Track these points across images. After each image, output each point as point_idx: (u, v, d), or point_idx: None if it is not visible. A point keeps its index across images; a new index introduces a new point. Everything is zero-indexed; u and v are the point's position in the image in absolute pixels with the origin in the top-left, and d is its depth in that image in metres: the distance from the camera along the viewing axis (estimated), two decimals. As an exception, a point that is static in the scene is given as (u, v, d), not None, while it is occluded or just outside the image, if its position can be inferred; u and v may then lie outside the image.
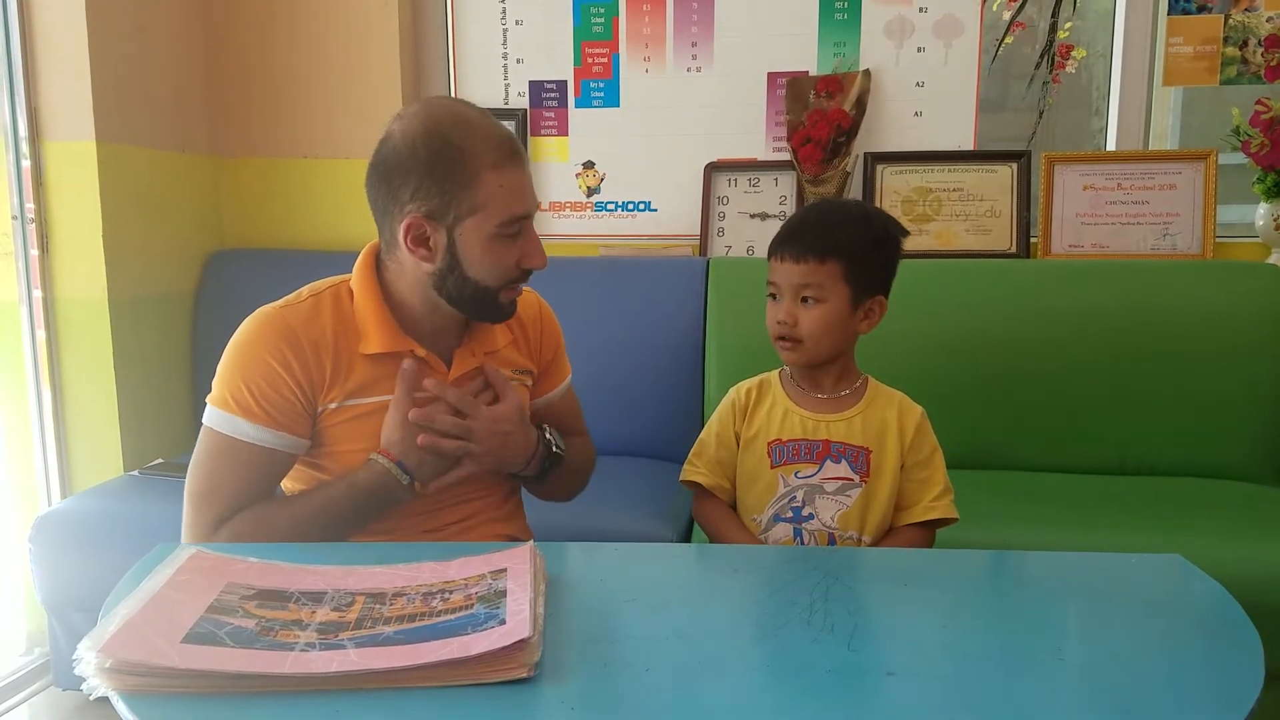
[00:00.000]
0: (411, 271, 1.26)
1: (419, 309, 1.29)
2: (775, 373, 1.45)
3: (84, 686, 0.75)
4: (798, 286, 1.33)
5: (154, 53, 2.40)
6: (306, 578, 0.95)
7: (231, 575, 0.93)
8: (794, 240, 1.34)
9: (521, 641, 0.78)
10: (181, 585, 0.90)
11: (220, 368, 1.25)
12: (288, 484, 1.33)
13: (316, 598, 0.90)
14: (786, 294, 1.34)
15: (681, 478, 1.45)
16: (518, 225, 1.24)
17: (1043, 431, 2.18)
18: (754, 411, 1.41)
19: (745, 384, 1.45)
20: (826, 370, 1.39)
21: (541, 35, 2.62)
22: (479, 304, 1.28)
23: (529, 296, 1.46)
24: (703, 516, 1.45)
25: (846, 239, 1.33)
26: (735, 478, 1.42)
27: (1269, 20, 2.35)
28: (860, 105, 2.44)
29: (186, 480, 1.26)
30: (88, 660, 0.75)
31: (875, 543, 1.36)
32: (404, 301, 1.29)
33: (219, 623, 0.82)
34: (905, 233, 1.40)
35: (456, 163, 1.19)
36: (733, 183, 2.57)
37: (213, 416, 1.24)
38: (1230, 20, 2.39)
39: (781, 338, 1.35)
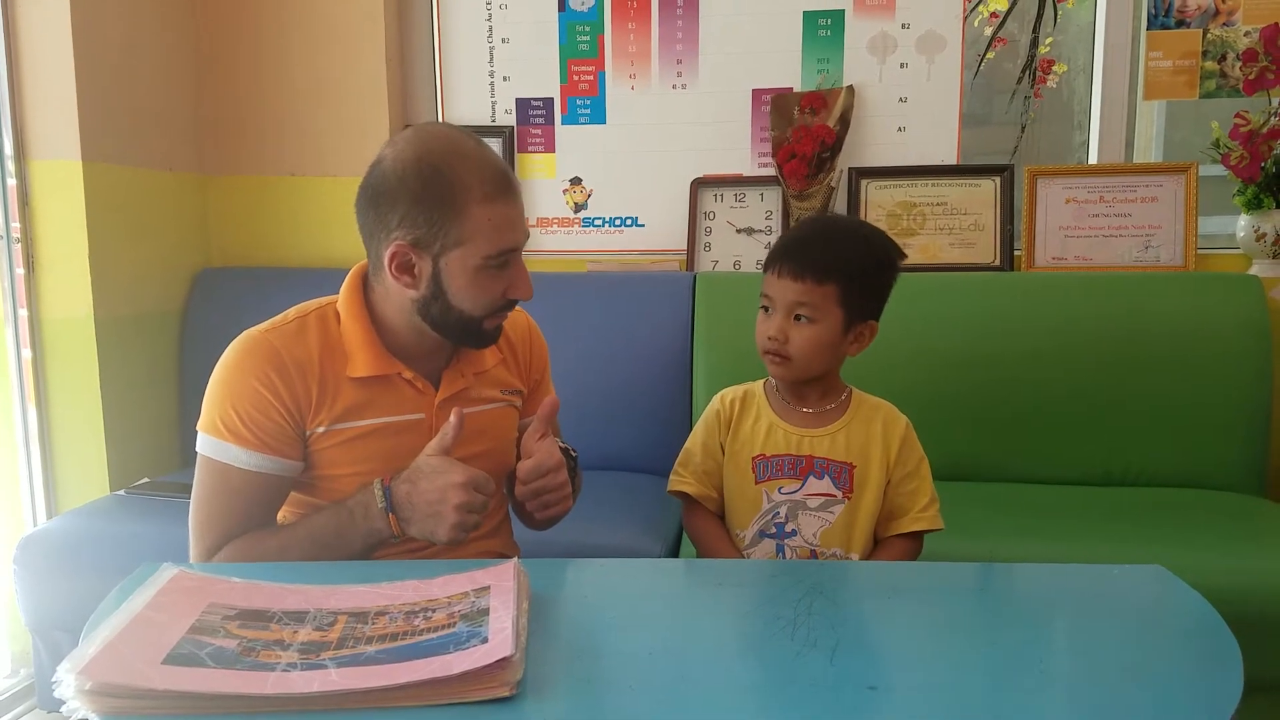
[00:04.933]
0: (397, 296, 1.26)
1: (405, 332, 1.29)
2: (760, 383, 1.44)
3: (64, 709, 0.75)
4: (792, 304, 1.32)
5: (140, 71, 2.40)
6: (289, 597, 0.95)
7: (213, 595, 0.93)
8: (794, 257, 1.32)
9: (504, 660, 0.78)
10: (163, 606, 0.89)
11: (208, 393, 1.25)
12: (282, 513, 1.32)
13: (298, 617, 0.90)
14: (780, 309, 1.33)
15: (669, 488, 1.45)
16: (505, 257, 1.23)
17: (1027, 443, 2.19)
18: (738, 424, 1.41)
19: (729, 393, 1.44)
20: (811, 385, 1.39)
21: (528, 53, 2.63)
22: (463, 332, 1.28)
23: (519, 316, 1.46)
24: (691, 528, 1.45)
25: (848, 262, 1.32)
26: (722, 487, 1.43)
27: (1246, 35, 2.37)
28: (844, 121, 2.46)
29: (190, 507, 1.26)
30: (68, 682, 0.75)
31: (863, 557, 1.37)
32: (390, 324, 1.29)
33: (200, 643, 0.82)
34: (903, 256, 1.38)
35: (445, 193, 1.18)
36: (719, 198, 2.58)
37: (204, 443, 1.24)
38: (1209, 35, 2.41)
39: (770, 352, 1.35)
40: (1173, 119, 2.73)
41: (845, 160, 2.50)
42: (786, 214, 2.51)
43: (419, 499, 1.18)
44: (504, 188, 1.22)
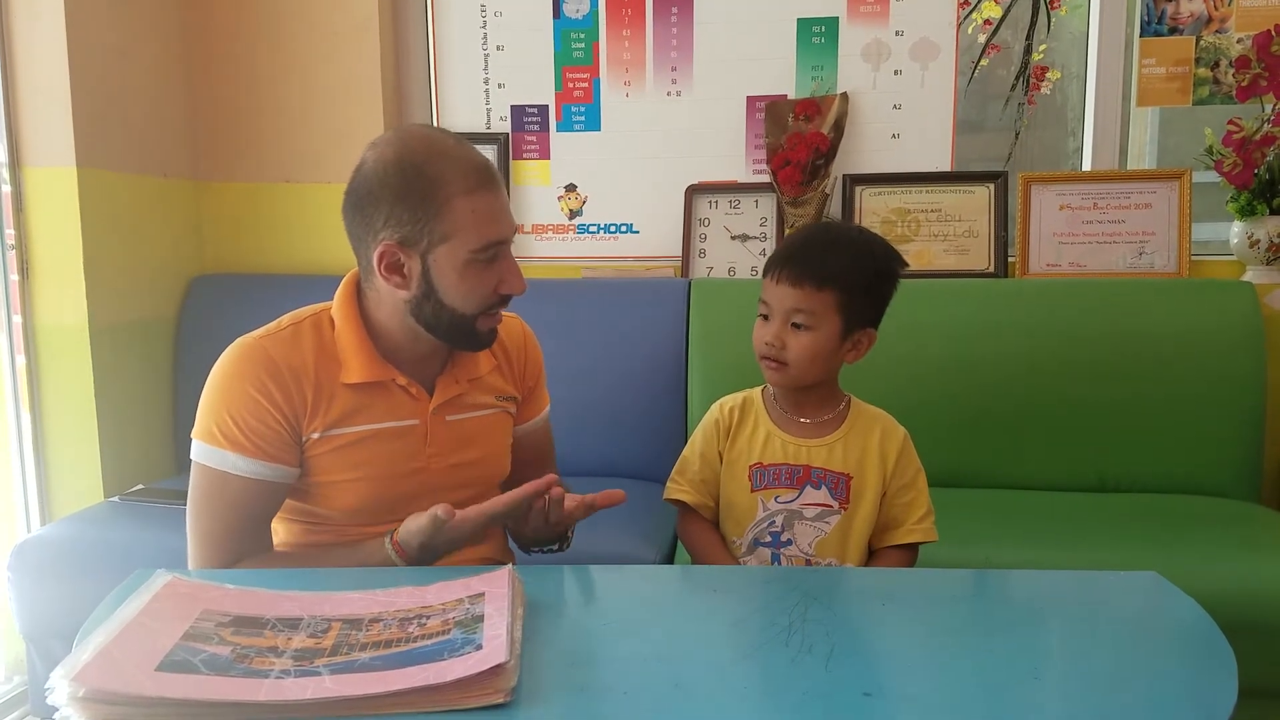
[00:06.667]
0: (389, 299, 1.26)
1: (399, 337, 1.29)
2: (758, 391, 1.44)
3: (57, 716, 0.74)
4: (790, 311, 1.31)
5: (134, 78, 2.40)
6: (283, 604, 0.94)
7: (207, 602, 0.93)
8: (792, 263, 1.31)
9: (498, 666, 0.77)
10: (157, 612, 0.89)
11: (203, 401, 1.24)
12: (275, 522, 1.32)
13: (292, 624, 0.90)
14: (778, 316, 1.32)
15: (665, 495, 1.45)
16: (493, 250, 1.23)
17: (1021, 449, 2.20)
18: (736, 432, 1.41)
19: (728, 401, 1.44)
20: (809, 393, 1.38)
21: (522, 60, 2.64)
22: (456, 332, 1.27)
23: (513, 322, 1.45)
24: (687, 536, 1.45)
25: (847, 270, 1.31)
26: (719, 496, 1.42)
27: (1239, 42, 2.39)
28: (838, 128, 2.47)
29: (186, 516, 1.26)
30: (60, 689, 0.74)
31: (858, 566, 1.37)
32: (384, 329, 1.29)
33: (194, 650, 0.82)
34: (904, 264, 1.38)
35: (427, 190, 1.18)
36: (713, 204, 2.58)
37: (200, 451, 1.23)
38: (1201, 42, 2.42)
39: (767, 358, 1.34)
40: (1166, 126, 2.74)
41: (839, 167, 2.50)
42: (781, 220, 2.51)
43: (434, 552, 1.21)
44: (485, 180, 1.22)
